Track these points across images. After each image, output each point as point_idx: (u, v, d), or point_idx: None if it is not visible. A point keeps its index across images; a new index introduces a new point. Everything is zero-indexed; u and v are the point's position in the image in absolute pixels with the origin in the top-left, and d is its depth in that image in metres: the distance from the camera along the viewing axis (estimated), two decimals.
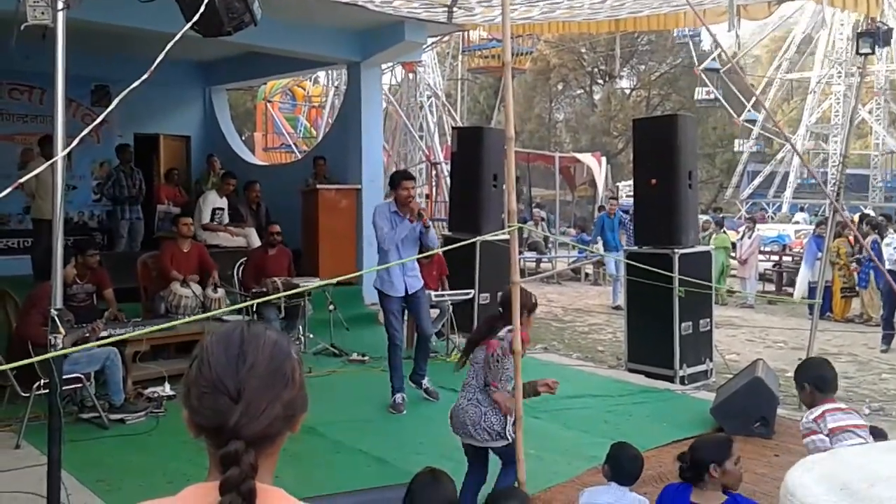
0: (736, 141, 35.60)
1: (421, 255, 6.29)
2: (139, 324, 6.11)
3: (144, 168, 10.74)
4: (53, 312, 2.70)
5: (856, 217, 14.58)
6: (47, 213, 8.07)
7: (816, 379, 3.55)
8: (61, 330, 2.70)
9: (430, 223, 6.16)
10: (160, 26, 4.82)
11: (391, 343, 6.07)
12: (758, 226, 15.17)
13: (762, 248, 15.18)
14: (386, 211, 5.98)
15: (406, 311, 6.35)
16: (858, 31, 6.35)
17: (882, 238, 10.95)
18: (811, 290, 11.40)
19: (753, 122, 33.55)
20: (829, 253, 8.19)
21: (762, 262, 15.06)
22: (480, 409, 3.90)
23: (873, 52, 6.13)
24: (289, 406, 1.13)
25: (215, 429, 1.08)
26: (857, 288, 11.90)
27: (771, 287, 15.21)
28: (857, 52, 6.27)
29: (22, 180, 2.64)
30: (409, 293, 6.09)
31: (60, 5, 2.70)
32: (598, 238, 13.57)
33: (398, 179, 6.09)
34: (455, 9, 6.81)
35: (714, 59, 30.53)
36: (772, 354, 8.77)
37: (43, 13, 2.67)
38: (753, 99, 28.16)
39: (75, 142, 2.50)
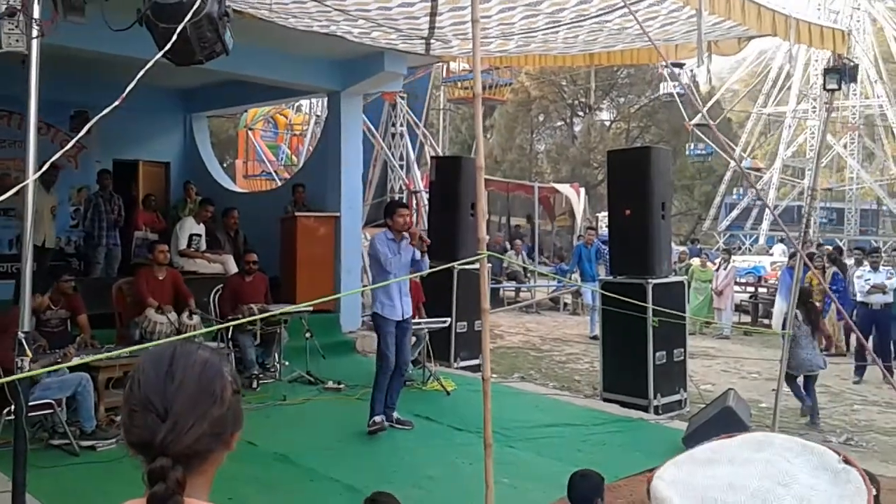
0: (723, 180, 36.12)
1: (411, 276, 6.40)
2: (112, 349, 6.07)
3: (123, 194, 10.73)
4: (21, 335, 2.70)
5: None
6: (34, 238, 8.10)
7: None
8: (28, 353, 2.70)
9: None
10: (137, 53, 4.83)
11: (384, 365, 6.10)
12: (733, 257, 15.35)
13: (738, 280, 15.34)
14: (384, 238, 6.14)
15: None
16: (826, 67, 6.52)
17: (843, 271, 11.21)
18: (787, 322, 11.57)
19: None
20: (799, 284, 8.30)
21: (738, 294, 15.21)
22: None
23: (839, 89, 6.29)
24: (217, 423, 1.15)
25: (144, 445, 1.10)
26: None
27: (747, 318, 15.34)
28: (824, 88, 6.43)
29: None
30: (403, 318, 6.20)
31: (35, 33, 2.73)
32: (576, 268, 13.66)
33: (394, 208, 6.31)
34: (432, 41, 6.91)
35: (702, 116, 30.83)
36: (745, 385, 8.85)
37: (17, 41, 2.71)
38: (739, 145, 28.53)
39: (45, 166, 2.54)
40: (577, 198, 20.20)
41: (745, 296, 16.06)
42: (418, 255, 6.15)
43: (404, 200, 20.41)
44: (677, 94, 32.25)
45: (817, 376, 7.68)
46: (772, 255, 24.06)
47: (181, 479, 1.09)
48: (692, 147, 34.18)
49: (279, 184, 18.65)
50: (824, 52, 7.09)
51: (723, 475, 0.84)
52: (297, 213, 9.92)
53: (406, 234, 6.16)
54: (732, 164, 34.10)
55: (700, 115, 29.63)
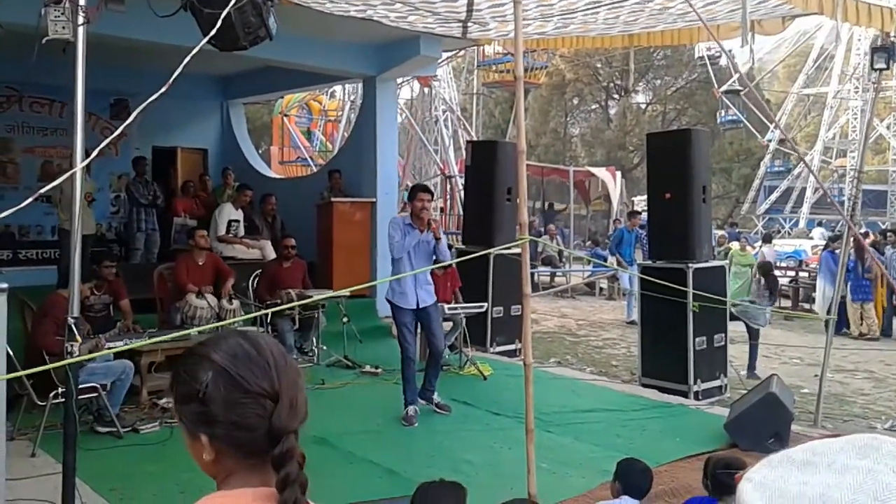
0: (760, 162, 35.51)
1: (436, 266, 6.33)
2: (154, 334, 6.16)
3: (162, 180, 10.86)
4: (70, 321, 2.74)
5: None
6: (68, 225, 8.25)
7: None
8: (78, 338, 2.74)
9: (443, 236, 6.17)
10: (179, 40, 4.90)
11: (404, 356, 6.09)
12: (774, 241, 15.11)
13: (778, 264, 15.09)
14: (400, 223, 6.08)
15: (418, 325, 6.36)
16: (873, 46, 6.35)
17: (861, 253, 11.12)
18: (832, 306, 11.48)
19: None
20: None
21: (779, 278, 14.95)
22: None
23: (888, 68, 6.13)
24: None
25: (263, 434, 1.10)
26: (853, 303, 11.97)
27: (787, 303, 15.10)
28: (872, 68, 6.27)
29: (41, 191, 2.69)
30: (421, 307, 6.11)
31: (81, 20, 2.75)
32: (616, 251, 13.47)
33: (415, 192, 6.21)
34: (469, 24, 6.85)
35: (734, 81, 30.46)
36: (787, 370, 8.72)
37: (64, 28, 2.73)
38: (776, 121, 28.04)
39: (93, 155, 2.55)
40: (613, 182, 20.01)
41: (786, 280, 15.79)
42: (432, 239, 6.00)
43: (437, 185, 20.43)
44: (708, 58, 31.86)
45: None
46: (812, 238, 23.61)
47: (304, 455, 1.11)
48: (722, 115, 33.54)
49: (314, 170, 18.74)
50: (866, 31, 6.90)
51: (817, 484, 0.79)
52: (333, 199, 9.96)
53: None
54: (770, 144, 33.56)
55: (729, 82, 29.28)
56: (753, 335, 8.74)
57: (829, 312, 6.99)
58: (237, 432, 1.11)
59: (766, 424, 5.46)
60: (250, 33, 2.93)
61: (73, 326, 2.73)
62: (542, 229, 18.49)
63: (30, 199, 2.46)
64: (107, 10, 3.29)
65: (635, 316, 10.10)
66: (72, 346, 2.73)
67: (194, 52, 2.59)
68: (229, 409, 1.11)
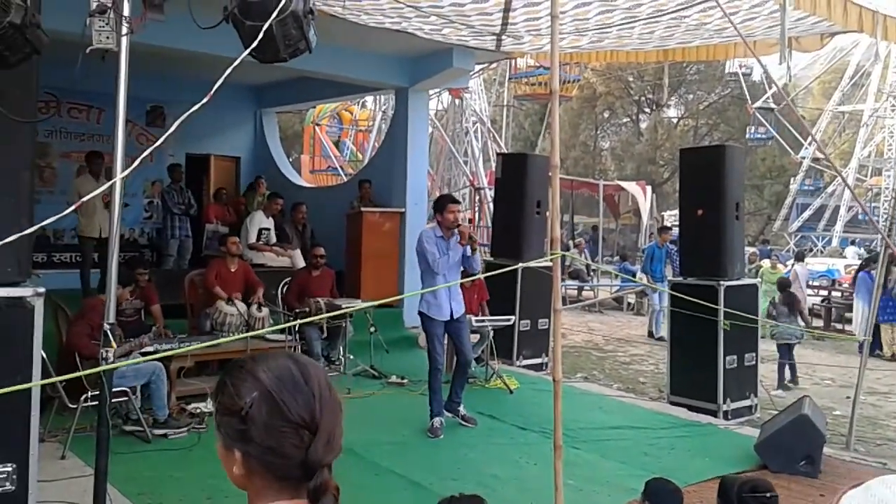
0: (792, 179, 35.12)
1: (465, 280, 6.30)
2: (184, 340, 6.22)
3: (195, 188, 10.98)
4: (106, 327, 2.77)
5: None
6: (87, 229, 8.38)
7: None
8: (113, 344, 2.77)
9: (477, 248, 6.16)
10: (218, 50, 4.96)
11: (433, 367, 6.06)
12: (807, 260, 14.92)
13: (810, 283, 14.87)
14: (433, 236, 5.99)
15: (446, 336, 6.34)
16: None
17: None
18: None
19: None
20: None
21: (811, 297, 14.74)
22: None
23: None
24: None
25: (296, 464, 1.11)
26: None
27: (819, 322, 14.87)
28: None
29: (85, 198, 2.72)
30: (454, 318, 6.11)
31: (125, 30, 2.80)
32: (649, 268, 13.22)
33: (444, 203, 6.12)
34: (504, 37, 6.86)
35: (768, 98, 30.21)
36: (818, 391, 8.58)
37: (108, 38, 2.77)
38: (810, 138, 27.74)
39: (134, 164, 2.59)
40: (643, 196, 19.88)
41: (818, 299, 15.56)
42: (469, 251, 5.99)
43: (466, 197, 20.45)
44: (742, 74, 31.63)
45: (793, 345, 9.38)
46: (845, 257, 23.24)
47: (338, 488, 1.12)
48: (752, 130, 33.15)
49: (344, 179, 18.84)
50: None
51: None
52: (362, 209, 10.00)
53: (456, 232, 5.97)
54: (803, 161, 33.17)
55: (764, 97, 28.99)
56: (788, 350, 9.04)
57: (864, 333, 6.85)
58: (271, 457, 1.12)
59: (797, 447, 5.36)
60: (290, 45, 2.95)
61: (108, 333, 2.77)
62: (571, 243, 18.42)
63: (71, 208, 2.50)
64: (147, 20, 3.33)
65: (664, 332, 10.00)
66: (106, 351, 2.76)
67: (236, 63, 2.62)
68: (267, 434, 1.11)
